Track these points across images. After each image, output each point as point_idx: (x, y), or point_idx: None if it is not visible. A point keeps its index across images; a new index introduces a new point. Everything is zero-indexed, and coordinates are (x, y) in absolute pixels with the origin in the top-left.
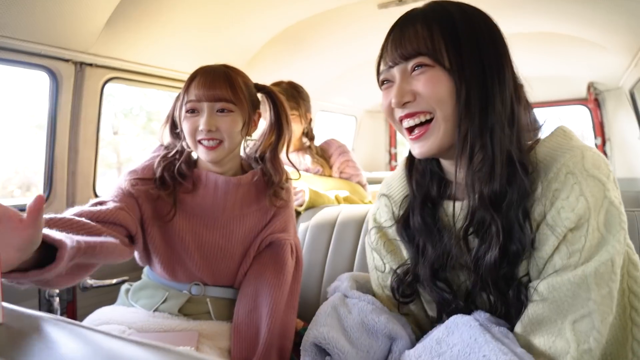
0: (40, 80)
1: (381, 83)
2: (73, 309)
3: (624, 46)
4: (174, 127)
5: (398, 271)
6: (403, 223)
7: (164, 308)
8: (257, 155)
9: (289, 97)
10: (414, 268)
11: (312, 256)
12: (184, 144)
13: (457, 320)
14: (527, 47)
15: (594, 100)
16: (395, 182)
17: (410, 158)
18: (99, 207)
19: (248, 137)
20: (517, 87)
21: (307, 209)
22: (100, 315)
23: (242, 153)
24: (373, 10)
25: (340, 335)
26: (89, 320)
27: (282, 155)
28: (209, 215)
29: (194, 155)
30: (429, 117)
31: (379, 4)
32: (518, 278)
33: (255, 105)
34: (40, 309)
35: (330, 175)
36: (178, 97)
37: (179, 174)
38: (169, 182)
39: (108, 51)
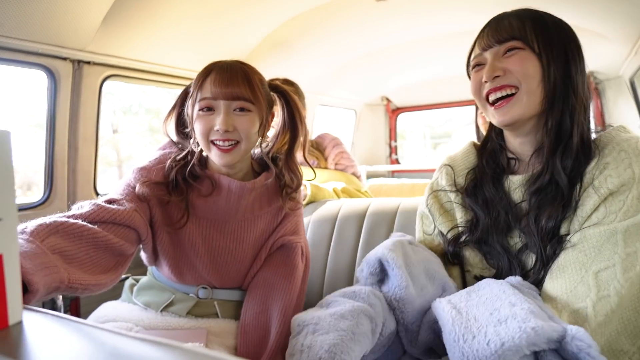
0: (38, 79)
1: (472, 67)
2: (76, 306)
3: (624, 35)
4: (181, 125)
5: (448, 235)
6: (471, 191)
7: (172, 310)
8: (270, 156)
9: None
10: (472, 230)
11: (313, 250)
12: (193, 144)
13: (489, 280)
14: None
15: (594, 89)
16: (459, 156)
17: (485, 139)
18: (115, 207)
19: (262, 139)
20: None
21: (308, 203)
22: (106, 312)
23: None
24: (371, 2)
25: (403, 263)
26: (93, 317)
27: (298, 155)
28: (220, 219)
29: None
30: (514, 91)
31: None
32: (559, 236)
33: (271, 104)
34: (43, 307)
35: (326, 167)
36: (185, 94)
37: (192, 177)
38: (182, 187)
39: (106, 49)
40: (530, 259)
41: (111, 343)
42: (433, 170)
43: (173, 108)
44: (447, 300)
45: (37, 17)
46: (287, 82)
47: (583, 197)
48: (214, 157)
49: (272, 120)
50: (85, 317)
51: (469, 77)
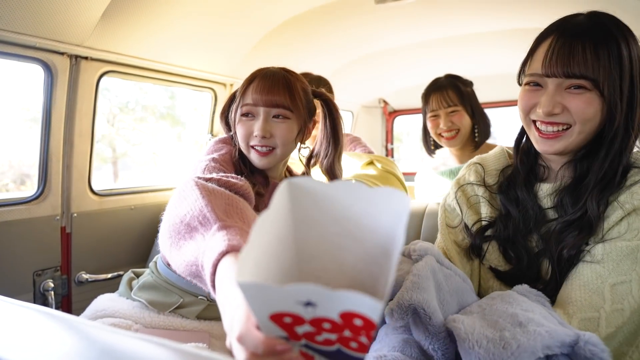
0: (34, 73)
1: (527, 82)
2: (68, 303)
3: None
4: (227, 127)
5: (473, 229)
6: (504, 189)
7: (180, 313)
8: (312, 163)
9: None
10: (500, 225)
11: None
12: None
13: (498, 292)
14: (526, 43)
15: None
16: (490, 157)
17: (519, 140)
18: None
19: (303, 145)
20: None
21: None
22: (104, 306)
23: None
24: (370, 5)
25: (437, 304)
26: (90, 310)
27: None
28: None
29: None
30: (567, 127)
31: None
32: (573, 257)
33: (312, 112)
34: (35, 303)
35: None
36: (233, 98)
37: (251, 172)
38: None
39: (104, 44)
40: (545, 264)
41: (103, 340)
42: None
43: (223, 110)
44: (463, 317)
45: (35, 11)
46: (319, 79)
47: (608, 210)
48: (254, 159)
49: (313, 128)
50: (77, 314)
51: (519, 83)
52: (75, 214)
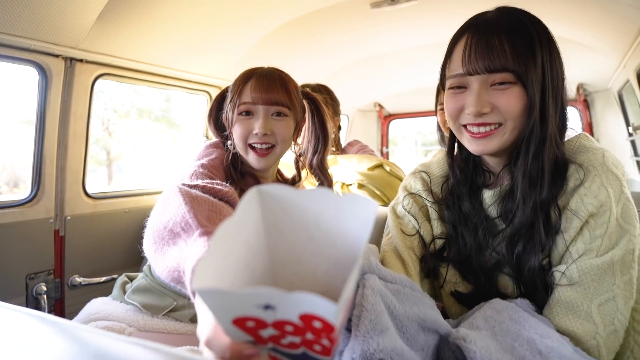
0: (29, 76)
1: (450, 86)
2: (61, 306)
3: (613, 48)
4: (219, 128)
5: (430, 248)
6: (450, 205)
7: (173, 316)
8: (301, 161)
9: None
10: (452, 247)
11: None
12: (231, 146)
13: (502, 303)
14: None
15: (583, 101)
16: (434, 164)
17: (451, 147)
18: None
19: (294, 143)
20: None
21: None
22: (97, 309)
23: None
24: (366, 9)
25: (401, 342)
26: (83, 313)
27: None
28: None
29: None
30: (497, 126)
31: (371, 3)
32: (539, 262)
33: (303, 111)
34: (27, 307)
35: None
36: (224, 98)
37: (239, 175)
38: (236, 183)
39: (99, 47)
40: (504, 280)
41: (96, 344)
42: None
43: (210, 112)
44: (473, 334)
45: (30, 14)
46: (321, 87)
47: (563, 222)
48: (251, 160)
49: (303, 126)
50: (70, 318)
51: (441, 90)
52: (69, 217)
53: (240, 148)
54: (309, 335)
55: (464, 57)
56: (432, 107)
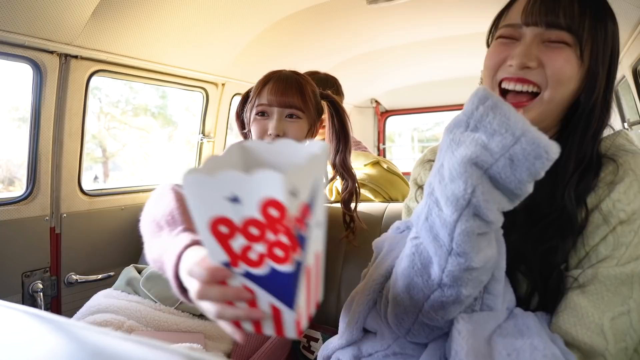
0: (23, 72)
1: (500, 35)
2: (58, 304)
3: None
4: (241, 126)
5: None
6: None
7: (186, 308)
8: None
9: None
10: None
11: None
12: None
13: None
14: None
15: None
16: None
17: None
18: None
19: None
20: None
21: None
22: (97, 303)
23: None
24: (362, 5)
25: None
26: (85, 307)
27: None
28: None
29: None
30: (536, 92)
31: None
32: (555, 264)
33: (320, 112)
34: (23, 304)
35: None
36: (247, 99)
37: None
38: None
39: (94, 43)
40: (521, 280)
41: (93, 342)
42: None
43: (237, 112)
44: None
45: (24, 9)
46: (329, 77)
47: (589, 224)
48: None
49: (320, 127)
50: (67, 315)
51: (488, 45)
52: (64, 215)
53: None
54: (270, 236)
55: (527, 5)
56: (429, 104)
